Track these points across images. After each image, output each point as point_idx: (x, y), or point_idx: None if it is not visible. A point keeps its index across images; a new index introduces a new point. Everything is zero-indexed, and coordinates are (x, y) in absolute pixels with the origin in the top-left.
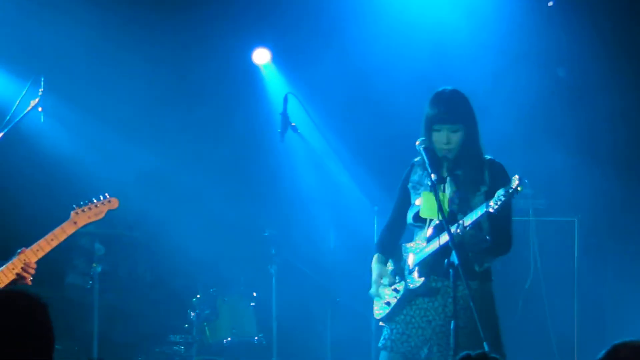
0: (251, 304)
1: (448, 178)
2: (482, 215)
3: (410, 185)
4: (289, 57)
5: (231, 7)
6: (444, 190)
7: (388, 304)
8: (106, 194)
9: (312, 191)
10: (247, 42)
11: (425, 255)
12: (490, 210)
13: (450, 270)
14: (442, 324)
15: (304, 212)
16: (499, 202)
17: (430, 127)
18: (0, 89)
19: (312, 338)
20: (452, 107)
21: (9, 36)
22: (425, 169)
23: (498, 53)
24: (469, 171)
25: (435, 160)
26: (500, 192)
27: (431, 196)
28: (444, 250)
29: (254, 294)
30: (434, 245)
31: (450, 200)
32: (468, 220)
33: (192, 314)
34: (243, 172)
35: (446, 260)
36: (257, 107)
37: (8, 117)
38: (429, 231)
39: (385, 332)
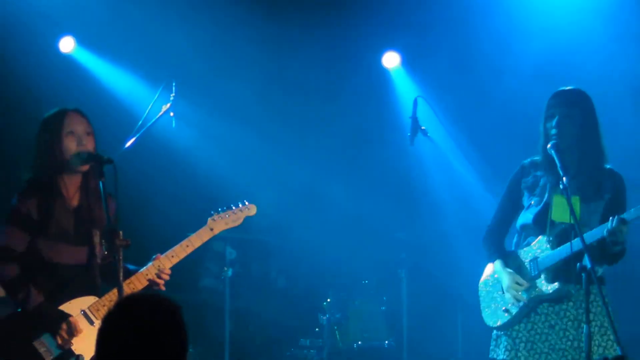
0: (381, 307)
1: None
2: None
3: (523, 186)
4: (419, 61)
5: (362, 12)
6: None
7: (507, 311)
8: (245, 201)
9: (441, 194)
10: (377, 46)
11: (555, 260)
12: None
13: (583, 275)
14: (565, 328)
15: (433, 215)
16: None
17: (545, 116)
18: (133, 94)
19: (442, 342)
20: (569, 94)
21: (141, 42)
22: (543, 170)
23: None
24: (589, 177)
25: (563, 163)
26: None
27: (563, 199)
28: (576, 254)
29: (384, 298)
30: (565, 249)
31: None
32: (631, 216)
33: (323, 317)
34: (373, 175)
35: (578, 264)
36: (387, 111)
37: (140, 122)
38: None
39: (505, 342)
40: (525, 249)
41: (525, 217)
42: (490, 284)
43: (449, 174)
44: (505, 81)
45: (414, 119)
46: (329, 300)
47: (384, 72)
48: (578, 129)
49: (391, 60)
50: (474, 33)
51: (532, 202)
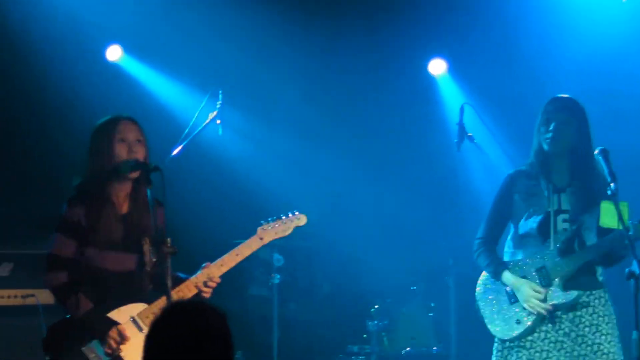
0: (429, 314)
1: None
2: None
3: (516, 197)
4: (465, 68)
5: (409, 18)
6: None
7: (520, 322)
8: (295, 211)
9: (488, 201)
10: (424, 53)
11: (571, 267)
12: None
13: (632, 280)
14: (583, 334)
15: (480, 222)
16: None
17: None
18: (180, 102)
19: (490, 350)
20: (567, 101)
21: (187, 50)
22: (538, 177)
23: None
24: (583, 184)
25: (610, 169)
26: None
27: (611, 205)
28: (590, 262)
29: (432, 304)
30: (584, 256)
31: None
32: None
33: (371, 324)
34: (420, 182)
35: (627, 270)
36: (433, 117)
37: (187, 130)
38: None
39: (518, 353)
40: (527, 259)
41: (527, 225)
42: (491, 296)
43: (495, 181)
44: (552, 88)
45: (461, 125)
46: (376, 306)
47: (430, 78)
48: (573, 137)
49: (438, 67)
50: (520, 40)
51: (531, 211)
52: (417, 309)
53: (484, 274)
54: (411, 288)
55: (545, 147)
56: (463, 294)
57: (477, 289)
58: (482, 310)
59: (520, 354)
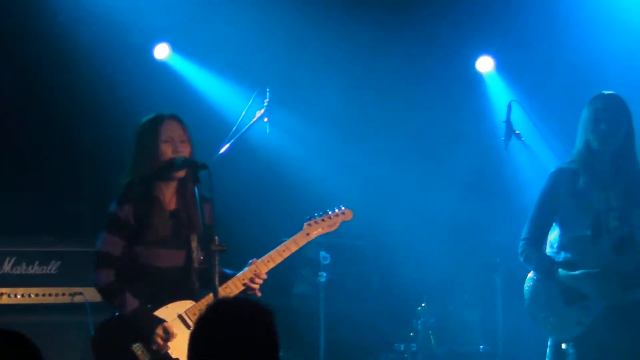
0: (476, 312)
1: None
2: None
3: (563, 196)
4: (513, 65)
5: (456, 16)
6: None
7: (580, 322)
8: (342, 206)
9: (535, 198)
10: (471, 50)
11: (631, 266)
12: None
13: None
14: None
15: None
16: None
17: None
18: (227, 100)
19: (538, 347)
20: (616, 99)
21: (234, 48)
22: (585, 175)
23: None
24: (627, 184)
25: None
26: None
27: None
28: None
29: (479, 302)
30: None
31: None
32: None
33: (417, 322)
34: (467, 179)
35: None
36: (480, 115)
37: (234, 128)
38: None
39: (577, 354)
40: (578, 257)
41: (575, 224)
42: (544, 297)
43: (543, 178)
44: (599, 84)
45: (508, 123)
46: (423, 304)
47: (477, 76)
48: (621, 135)
49: (485, 64)
50: (568, 37)
51: (578, 209)
52: (464, 307)
53: (531, 274)
54: (458, 286)
55: (594, 145)
56: (511, 291)
57: (527, 289)
58: (534, 312)
59: (580, 354)
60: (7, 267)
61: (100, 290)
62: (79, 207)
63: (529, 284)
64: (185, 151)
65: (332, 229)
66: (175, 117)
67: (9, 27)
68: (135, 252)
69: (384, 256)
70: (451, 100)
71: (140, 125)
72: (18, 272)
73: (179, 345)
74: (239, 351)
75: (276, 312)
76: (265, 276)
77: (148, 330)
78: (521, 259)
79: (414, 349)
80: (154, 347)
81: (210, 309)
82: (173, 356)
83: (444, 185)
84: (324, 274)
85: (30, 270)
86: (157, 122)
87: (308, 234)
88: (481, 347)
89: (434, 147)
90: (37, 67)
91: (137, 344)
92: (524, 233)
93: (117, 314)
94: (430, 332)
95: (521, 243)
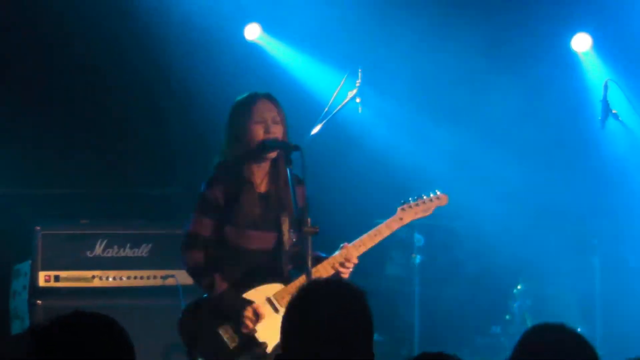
0: (574, 294)
1: None
2: None
3: None
4: (610, 44)
5: None
6: None
7: None
8: (437, 191)
9: (635, 178)
10: (567, 28)
11: None
12: None
13: None
14: None
15: (626, 200)
16: None
17: None
18: (318, 80)
19: (637, 331)
20: None
21: (325, 28)
22: None
23: None
24: None
25: None
26: None
27: None
28: None
29: (577, 285)
30: None
31: None
32: None
33: (514, 304)
34: (562, 160)
35: None
36: (576, 94)
37: (327, 109)
38: None
39: None
40: None
41: None
42: None
43: None
44: None
45: (605, 102)
46: (519, 287)
47: (571, 55)
48: None
49: (582, 43)
50: None
51: None
52: (561, 290)
53: None
54: (555, 268)
55: None
56: (608, 274)
57: None
58: None
59: None
60: (98, 250)
61: (189, 270)
62: (171, 190)
63: None
64: (277, 132)
65: (427, 214)
66: (269, 97)
67: (104, 10)
68: (224, 234)
69: (479, 238)
70: (546, 80)
71: (234, 104)
72: (110, 254)
73: (266, 328)
74: (332, 332)
75: (369, 293)
76: (356, 260)
77: (236, 312)
78: None
79: (511, 332)
80: (243, 330)
81: (304, 289)
82: (260, 339)
83: (539, 166)
84: (419, 256)
85: (122, 253)
86: (250, 102)
87: (401, 219)
88: (579, 329)
89: (528, 127)
90: (127, 48)
91: (225, 326)
92: None
93: (205, 295)
94: (526, 314)
95: None
